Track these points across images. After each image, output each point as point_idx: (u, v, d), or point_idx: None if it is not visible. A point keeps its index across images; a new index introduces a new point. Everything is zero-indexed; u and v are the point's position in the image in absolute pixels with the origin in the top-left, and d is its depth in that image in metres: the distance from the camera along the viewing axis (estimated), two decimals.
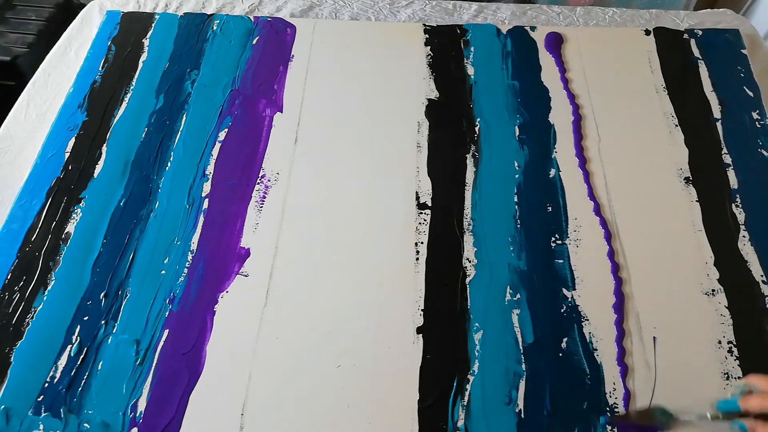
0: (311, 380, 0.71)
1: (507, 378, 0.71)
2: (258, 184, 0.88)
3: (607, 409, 0.69)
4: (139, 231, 0.84)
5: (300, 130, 0.94)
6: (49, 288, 0.79)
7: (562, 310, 0.75)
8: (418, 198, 0.86)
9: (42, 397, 0.71)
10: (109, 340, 0.75)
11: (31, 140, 0.96)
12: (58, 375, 0.72)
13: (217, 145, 0.93)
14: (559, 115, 0.95)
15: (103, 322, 0.76)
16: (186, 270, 0.80)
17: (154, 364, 0.72)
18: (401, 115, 0.96)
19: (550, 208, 0.85)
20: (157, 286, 0.79)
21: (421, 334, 0.74)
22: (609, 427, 0.67)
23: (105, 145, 0.93)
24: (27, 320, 0.76)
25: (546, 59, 1.02)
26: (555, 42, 1.04)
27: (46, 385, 0.71)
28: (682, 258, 0.80)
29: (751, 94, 0.96)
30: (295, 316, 0.76)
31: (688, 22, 1.09)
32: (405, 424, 0.68)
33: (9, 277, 0.80)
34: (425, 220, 0.84)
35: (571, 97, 0.97)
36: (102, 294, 0.78)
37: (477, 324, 0.75)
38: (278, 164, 0.90)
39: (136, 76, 1.02)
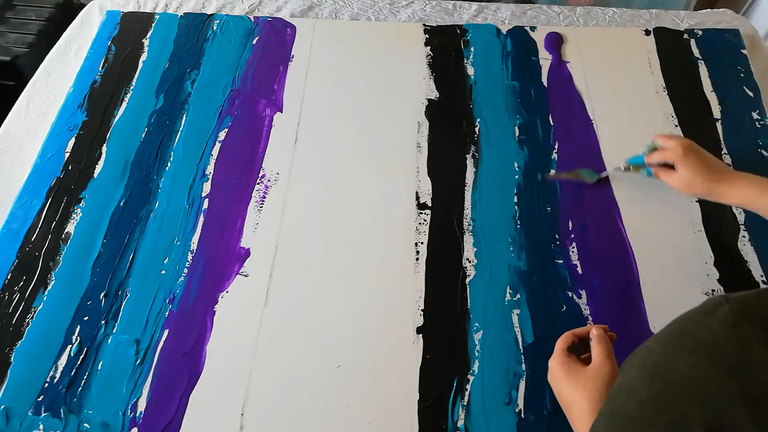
0: (311, 380, 0.71)
1: (507, 378, 0.71)
2: (258, 184, 0.88)
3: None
4: (139, 231, 0.84)
5: (300, 130, 0.94)
6: (49, 288, 0.79)
7: (562, 310, 0.75)
8: (418, 198, 0.86)
9: (42, 397, 0.71)
10: (109, 340, 0.75)
11: (31, 140, 0.96)
12: (58, 375, 0.72)
13: (217, 145, 0.93)
14: (559, 116, 0.95)
15: (103, 322, 0.76)
16: (186, 270, 0.80)
17: (154, 364, 0.72)
18: (401, 115, 0.96)
19: (549, 209, 0.85)
20: (157, 286, 0.79)
21: (421, 334, 0.74)
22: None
23: (105, 145, 0.93)
24: (27, 320, 0.76)
25: (546, 59, 1.02)
26: (555, 42, 1.04)
27: (46, 385, 0.71)
28: (682, 258, 0.80)
29: (751, 94, 0.96)
30: (295, 316, 0.76)
31: (688, 22, 1.09)
32: (405, 424, 0.68)
33: (9, 277, 0.80)
34: (425, 220, 0.84)
35: (571, 97, 0.97)
36: (102, 294, 0.78)
37: (477, 324, 0.75)
38: (278, 164, 0.90)
39: (136, 76, 1.02)
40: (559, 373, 0.58)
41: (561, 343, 0.60)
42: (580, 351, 0.61)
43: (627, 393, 0.30)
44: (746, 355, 0.26)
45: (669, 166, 0.76)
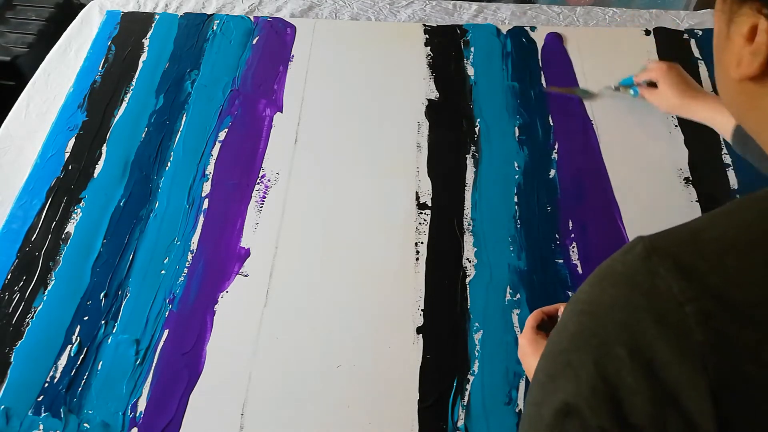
0: (311, 380, 0.71)
1: (507, 378, 0.71)
2: (258, 184, 0.88)
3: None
4: (139, 231, 0.84)
5: (300, 130, 0.94)
6: (49, 288, 0.79)
7: None
8: (418, 198, 0.86)
9: (42, 397, 0.71)
10: (109, 340, 0.75)
11: (31, 140, 0.96)
12: (58, 375, 0.72)
13: (217, 145, 0.93)
14: (559, 116, 0.95)
15: (103, 322, 0.76)
16: (186, 270, 0.80)
17: (154, 364, 0.72)
18: (401, 115, 0.95)
19: (549, 208, 0.85)
20: (157, 286, 0.79)
21: (421, 334, 0.74)
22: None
23: (105, 145, 0.93)
24: (27, 320, 0.76)
25: (546, 59, 1.02)
26: (555, 42, 1.04)
27: (46, 385, 0.71)
28: None
29: None
30: (295, 316, 0.76)
31: (688, 22, 1.09)
32: (405, 424, 0.68)
33: (9, 277, 0.80)
34: (425, 220, 0.84)
35: (571, 97, 0.97)
36: (102, 294, 0.78)
37: (477, 324, 0.75)
38: (278, 164, 0.90)
39: (136, 76, 1.02)
40: (527, 349, 0.62)
41: (531, 321, 0.63)
42: (549, 328, 0.63)
43: (560, 331, 0.33)
44: (655, 281, 0.29)
45: (654, 87, 0.87)
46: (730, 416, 0.27)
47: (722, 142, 0.91)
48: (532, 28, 1.06)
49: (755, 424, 0.28)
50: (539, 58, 1.03)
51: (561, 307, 0.63)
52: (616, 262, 0.32)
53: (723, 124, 0.78)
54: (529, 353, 0.61)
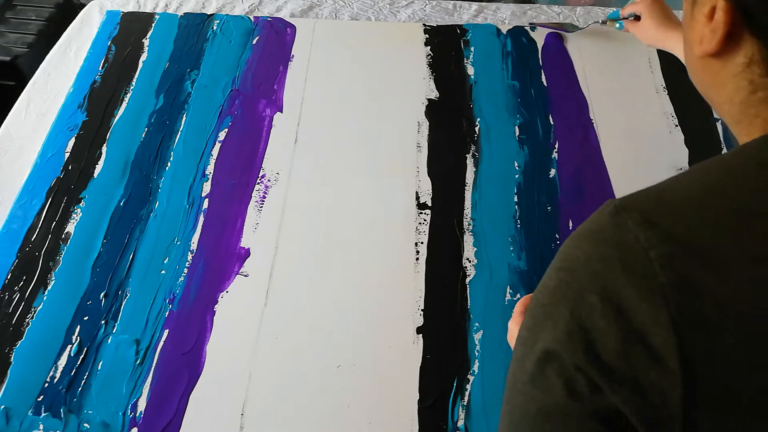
0: (311, 380, 0.71)
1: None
2: (258, 184, 0.88)
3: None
4: (139, 231, 0.84)
5: (300, 130, 0.94)
6: (49, 288, 0.79)
7: None
8: (418, 198, 0.86)
9: (42, 397, 0.71)
10: (109, 340, 0.75)
11: (31, 140, 0.96)
12: (58, 375, 0.72)
13: (217, 145, 0.93)
14: (559, 116, 0.95)
15: (103, 322, 0.76)
16: (186, 270, 0.80)
17: (154, 364, 0.72)
18: (401, 115, 0.95)
19: (549, 208, 0.85)
20: (157, 286, 0.79)
21: (421, 334, 0.74)
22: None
23: (105, 145, 0.93)
24: (27, 320, 0.76)
25: (546, 59, 1.02)
26: (555, 42, 1.04)
27: (46, 385, 0.71)
28: None
29: None
30: (295, 316, 0.76)
31: None
32: (405, 424, 0.68)
33: (9, 277, 0.80)
34: (425, 220, 0.84)
35: (571, 97, 0.97)
36: (102, 294, 0.78)
37: (477, 324, 0.75)
38: (278, 164, 0.90)
39: (136, 76, 1.02)
40: (515, 332, 0.61)
41: (519, 306, 0.62)
42: None
43: (541, 289, 0.36)
44: (623, 233, 0.32)
45: (638, 21, 0.91)
46: (692, 354, 0.30)
47: (722, 142, 0.91)
48: (532, 28, 1.06)
49: (715, 360, 0.30)
50: (539, 57, 1.03)
51: None
52: (590, 222, 0.35)
53: None
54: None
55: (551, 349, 0.33)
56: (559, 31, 1.04)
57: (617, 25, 0.97)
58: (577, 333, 0.32)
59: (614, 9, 0.98)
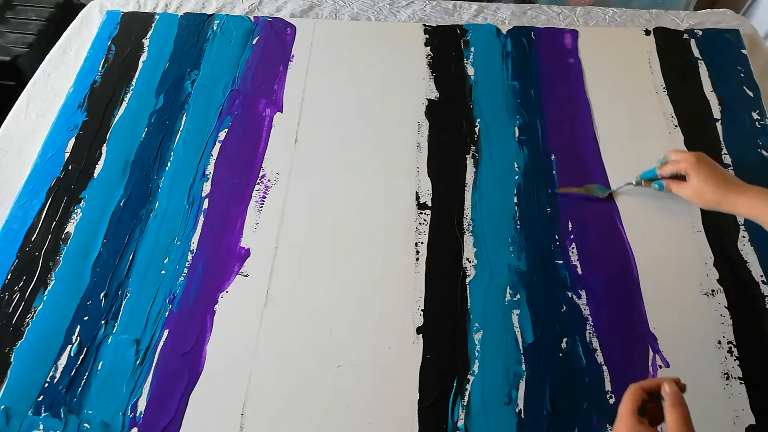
0: (311, 380, 0.71)
1: (507, 378, 0.71)
2: (258, 184, 0.88)
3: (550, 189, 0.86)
4: (139, 231, 0.84)
5: (300, 130, 0.94)
6: (49, 288, 0.79)
7: (562, 311, 0.75)
8: (418, 198, 0.86)
9: (42, 397, 0.71)
10: (109, 340, 0.75)
11: (31, 140, 0.96)
12: (58, 375, 0.72)
13: (217, 145, 0.93)
14: (559, 116, 0.95)
15: (103, 322, 0.76)
16: (186, 270, 0.80)
17: (154, 364, 0.73)
18: (401, 115, 0.95)
19: (549, 209, 0.85)
20: (157, 286, 0.79)
21: (421, 334, 0.74)
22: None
23: (105, 145, 0.93)
24: (27, 320, 0.76)
25: (546, 59, 1.02)
26: (555, 42, 1.04)
27: (46, 385, 0.71)
28: (682, 258, 0.80)
29: (751, 94, 0.96)
30: (295, 316, 0.76)
31: (688, 22, 1.09)
32: (405, 424, 0.68)
33: (9, 277, 0.80)
34: (425, 220, 0.84)
35: (571, 97, 0.97)
36: (102, 294, 0.78)
37: (477, 324, 0.75)
38: (278, 164, 0.90)
39: (136, 76, 1.02)
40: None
41: (630, 404, 0.52)
42: (652, 412, 0.53)
43: None
44: None
45: (680, 180, 0.78)
46: None
47: (722, 142, 0.91)
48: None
49: None
50: (539, 58, 1.02)
51: (665, 386, 0.52)
52: None
53: None
54: None
55: None
56: (588, 195, 0.86)
57: (656, 185, 0.82)
58: None
59: (650, 168, 0.82)
